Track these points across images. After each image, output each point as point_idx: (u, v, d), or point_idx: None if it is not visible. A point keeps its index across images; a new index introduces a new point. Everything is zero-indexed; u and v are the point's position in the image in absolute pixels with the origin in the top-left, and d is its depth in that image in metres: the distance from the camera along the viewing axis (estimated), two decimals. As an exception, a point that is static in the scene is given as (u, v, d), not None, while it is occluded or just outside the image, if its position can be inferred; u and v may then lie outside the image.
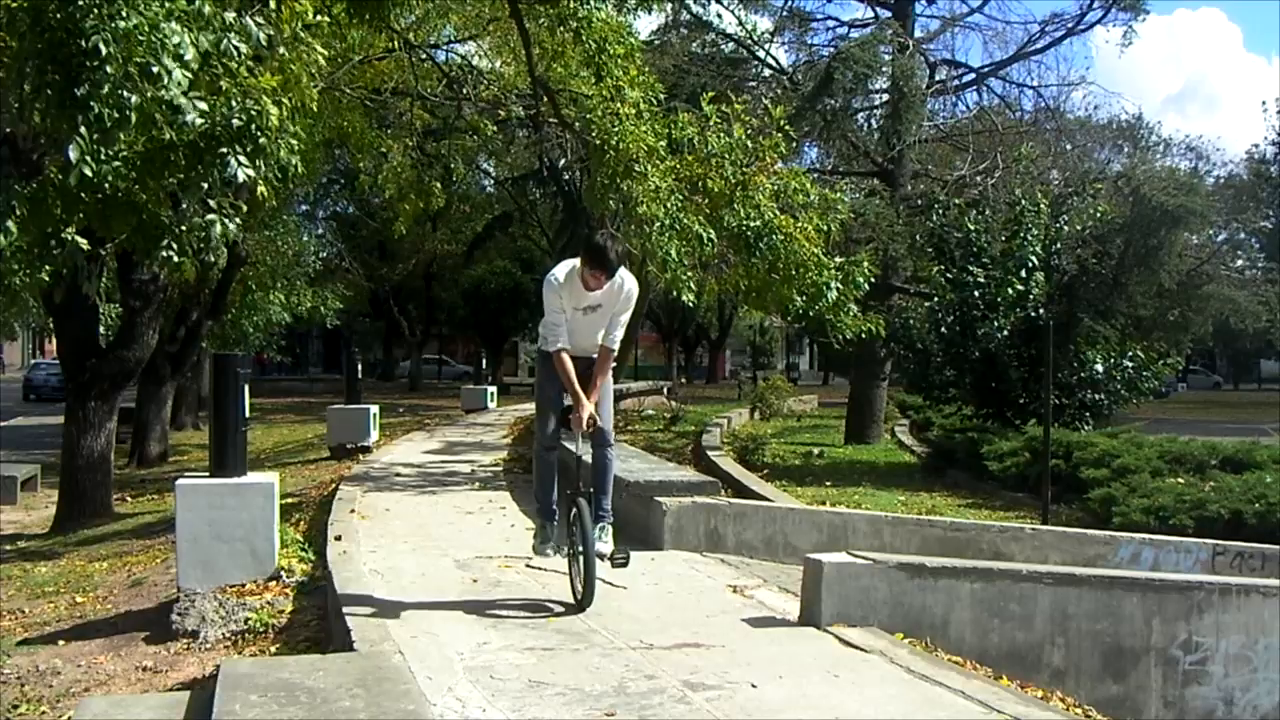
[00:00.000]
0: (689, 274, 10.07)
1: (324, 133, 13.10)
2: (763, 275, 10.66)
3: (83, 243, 7.01)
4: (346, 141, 14.90)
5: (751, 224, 10.16)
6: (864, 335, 11.52)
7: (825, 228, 10.81)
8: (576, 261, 5.36)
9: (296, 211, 19.66)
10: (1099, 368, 14.96)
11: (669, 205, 9.71)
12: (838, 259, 11.07)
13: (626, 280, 5.44)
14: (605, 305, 5.41)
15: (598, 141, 10.09)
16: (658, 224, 9.46)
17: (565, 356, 5.36)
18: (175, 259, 7.13)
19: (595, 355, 5.46)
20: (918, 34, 20.84)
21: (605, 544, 5.43)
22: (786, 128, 11.36)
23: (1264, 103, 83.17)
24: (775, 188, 10.60)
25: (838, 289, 10.67)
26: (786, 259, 10.31)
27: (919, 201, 20.56)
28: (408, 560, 6.72)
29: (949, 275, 15.45)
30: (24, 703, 5.02)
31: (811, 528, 7.38)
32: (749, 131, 10.71)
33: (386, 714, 3.79)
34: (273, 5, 6.77)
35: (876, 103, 22.11)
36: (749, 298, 11.91)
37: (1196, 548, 7.65)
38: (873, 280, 11.53)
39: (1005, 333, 14.61)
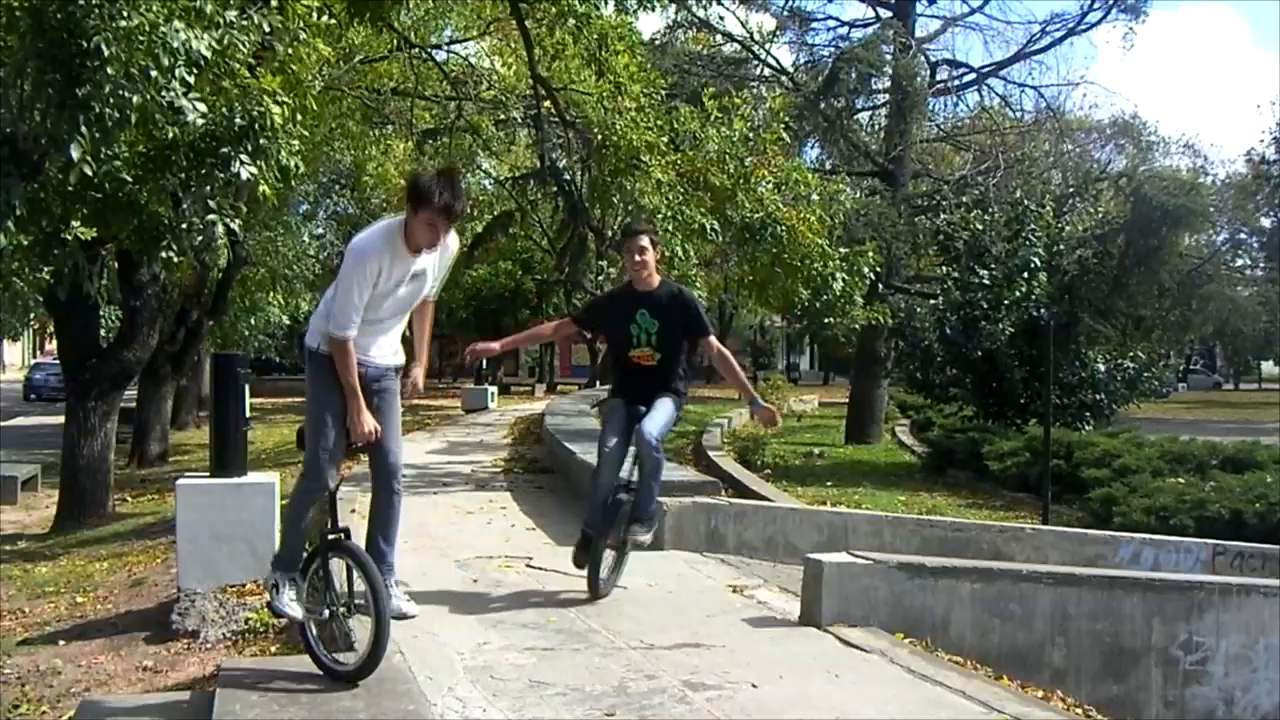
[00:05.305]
0: (695, 270, 10.12)
1: (325, 133, 13.11)
2: (767, 268, 10.68)
3: (88, 233, 7.00)
4: (348, 141, 14.93)
5: (754, 216, 10.19)
6: (874, 323, 11.53)
7: (828, 219, 10.86)
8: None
9: (297, 212, 19.63)
10: (1100, 368, 14.97)
11: (671, 198, 9.74)
12: (842, 250, 11.11)
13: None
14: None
15: (599, 138, 10.12)
16: (660, 215, 9.50)
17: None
18: (175, 259, 7.14)
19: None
20: (918, 34, 20.86)
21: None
22: (786, 120, 11.39)
23: (1258, 106, 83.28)
24: (777, 179, 10.64)
25: (844, 279, 10.69)
26: (790, 250, 10.35)
27: (920, 201, 20.58)
28: (408, 560, 6.68)
29: (956, 276, 15.46)
30: (24, 703, 5.02)
31: (812, 528, 7.38)
32: (749, 125, 10.74)
33: (387, 714, 3.79)
34: (274, 3, 6.78)
35: (878, 103, 22.14)
36: (753, 291, 11.93)
37: (1197, 548, 7.65)
38: (877, 270, 11.57)
39: (1008, 333, 14.63)
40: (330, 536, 4.24)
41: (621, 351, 5.66)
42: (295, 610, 4.23)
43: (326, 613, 4.25)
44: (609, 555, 5.53)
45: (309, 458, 4.22)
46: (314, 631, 4.25)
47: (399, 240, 4.09)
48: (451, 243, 4.36)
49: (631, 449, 5.47)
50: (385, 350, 4.31)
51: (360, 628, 4.21)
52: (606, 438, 5.50)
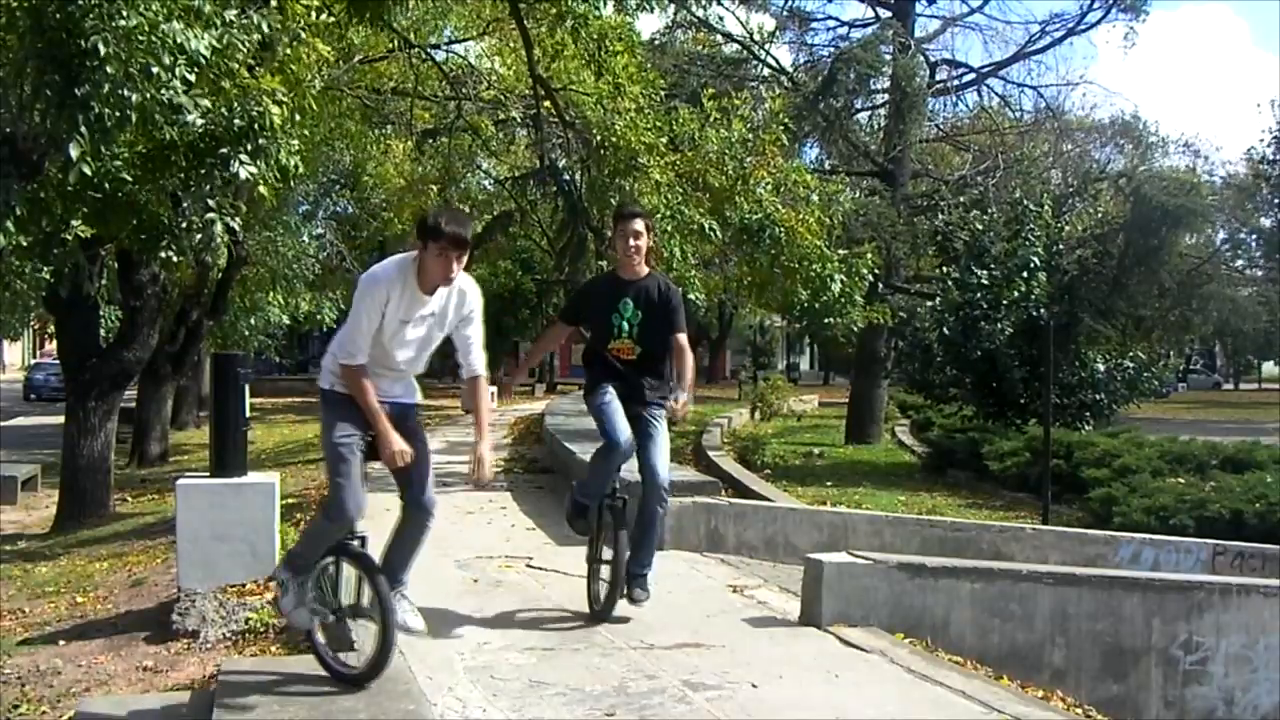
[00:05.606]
0: (693, 271, 10.13)
1: (325, 133, 13.11)
2: (766, 269, 10.70)
3: (88, 233, 6.99)
4: (347, 141, 14.92)
5: (753, 217, 10.21)
6: (873, 323, 11.54)
7: (827, 220, 10.89)
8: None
9: (297, 212, 19.61)
10: (1100, 368, 14.97)
11: (670, 199, 9.75)
12: (840, 251, 11.13)
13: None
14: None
15: (598, 139, 10.13)
16: (659, 216, 9.51)
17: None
18: (175, 259, 7.13)
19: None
20: (918, 34, 20.86)
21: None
22: (786, 120, 11.41)
23: (1258, 106, 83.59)
24: (776, 180, 10.66)
25: (842, 281, 10.71)
26: (789, 251, 10.37)
27: (920, 201, 20.59)
28: (408, 560, 6.70)
29: (956, 276, 15.48)
30: (24, 703, 5.02)
31: (812, 528, 7.38)
32: (749, 126, 10.75)
33: (387, 714, 3.79)
34: (274, 3, 6.78)
35: (878, 103, 22.15)
36: (752, 293, 11.95)
37: (1197, 548, 7.65)
38: (876, 272, 11.59)
39: (1008, 333, 14.63)
40: (345, 541, 4.17)
41: (600, 343, 5.29)
42: (301, 617, 4.19)
43: (332, 616, 4.21)
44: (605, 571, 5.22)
45: (331, 495, 4.13)
46: (320, 636, 4.21)
47: (411, 274, 4.09)
48: (469, 289, 4.26)
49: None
50: (404, 390, 4.30)
51: (361, 631, 4.18)
52: (617, 429, 5.08)
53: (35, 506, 13.71)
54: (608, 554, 5.19)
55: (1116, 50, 33.38)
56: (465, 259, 4.14)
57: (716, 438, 15.81)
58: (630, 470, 5.32)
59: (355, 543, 4.17)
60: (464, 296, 4.24)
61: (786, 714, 4.02)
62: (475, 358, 4.28)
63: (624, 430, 5.07)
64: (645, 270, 5.30)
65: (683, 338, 5.27)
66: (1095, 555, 7.33)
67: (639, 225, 5.25)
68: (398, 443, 4.05)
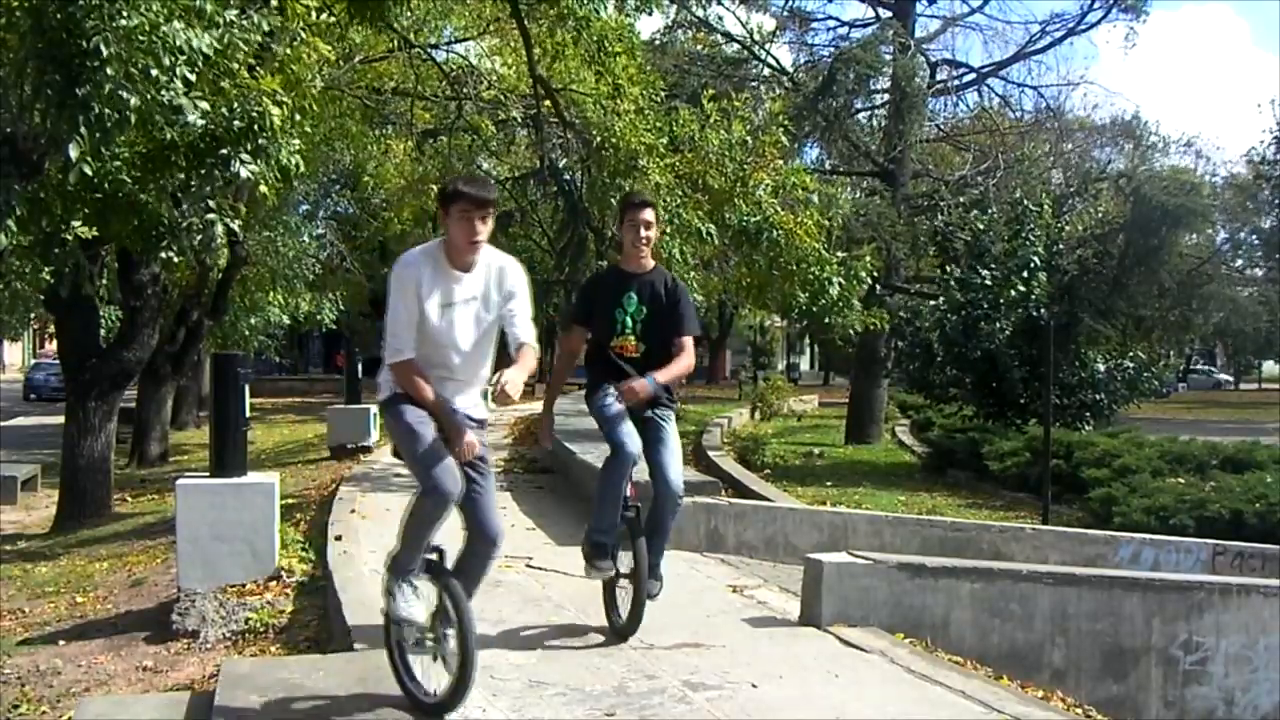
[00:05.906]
0: (693, 273, 10.13)
1: (325, 133, 13.12)
2: (765, 272, 10.70)
3: (88, 233, 7.00)
4: (348, 141, 14.94)
5: (752, 220, 10.21)
6: (870, 328, 11.54)
7: (826, 223, 10.88)
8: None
9: (297, 212, 19.63)
10: (1100, 368, 14.97)
11: (669, 201, 9.75)
12: (839, 254, 11.13)
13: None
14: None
15: (598, 140, 10.13)
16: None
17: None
18: (175, 259, 7.14)
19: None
20: (918, 34, 20.86)
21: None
22: (786, 123, 11.41)
23: (1258, 106, 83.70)
24: (775, 183, 10.66)
25: (840, 284, 10.71)
26: (788, 254, 10.37)
27: (920, 201, 20.60)
28: (408, 560, 6.70)
29: (957, 276, 15.48)
30: (24, 703, 5.02)
31: (812, 528, 7.38)
32: (749, 128, 10.75)
33: (387, 714, 3.80)
34: (274, 3, 6.79)
35: (878, 103, 22.16)
36: (751, 295, 11.95)
37: (1197, 548, 7.66)
38: (874, 275, 11.59)
39: (1007, 333, 14.63)
40: (426, 557, 3.97)
41: (603, 339, 4.99)
42: (418, 612, 3.91)
43: (415, 638, 3.99)
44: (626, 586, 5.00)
45: (421, 479, 3.92)
46: (405, 655, 3.95)
47: (440, 255, 3.96)
48: (509, 266, 4.09)
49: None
50: (470, 403, 4.09)
51: (443, 656, 3.92)
52: (624, 435, 4.80)
53: (35, 506, 13.71)
54: (624, 566, 4.96)
55: (1117, 50, 33.47)
56: (489, 221, 3.96)
57: (716, 438, 15.80)
58: (639, 471, 5.07)
59: (433, 555, 3.98)
60: (504, 274, 4.06)
61: (786, 714, 4.02)
62: (520, 329, 4.05)
63: (632, 436, 4.83)
64: (651, 264, 5.07)
65: (688, 341, 4.95)
66: (1095, 555, 7.33)
67: (649, 215, 5.01)
68: (468, 433, 3.88)
